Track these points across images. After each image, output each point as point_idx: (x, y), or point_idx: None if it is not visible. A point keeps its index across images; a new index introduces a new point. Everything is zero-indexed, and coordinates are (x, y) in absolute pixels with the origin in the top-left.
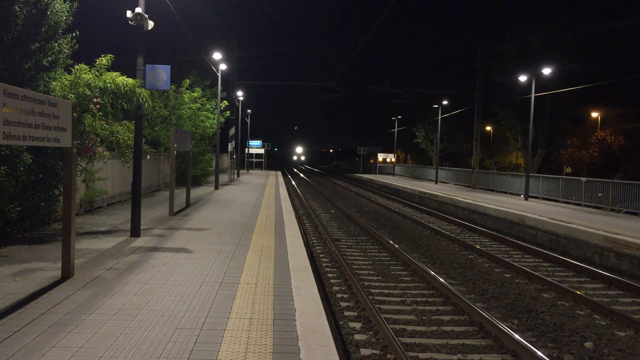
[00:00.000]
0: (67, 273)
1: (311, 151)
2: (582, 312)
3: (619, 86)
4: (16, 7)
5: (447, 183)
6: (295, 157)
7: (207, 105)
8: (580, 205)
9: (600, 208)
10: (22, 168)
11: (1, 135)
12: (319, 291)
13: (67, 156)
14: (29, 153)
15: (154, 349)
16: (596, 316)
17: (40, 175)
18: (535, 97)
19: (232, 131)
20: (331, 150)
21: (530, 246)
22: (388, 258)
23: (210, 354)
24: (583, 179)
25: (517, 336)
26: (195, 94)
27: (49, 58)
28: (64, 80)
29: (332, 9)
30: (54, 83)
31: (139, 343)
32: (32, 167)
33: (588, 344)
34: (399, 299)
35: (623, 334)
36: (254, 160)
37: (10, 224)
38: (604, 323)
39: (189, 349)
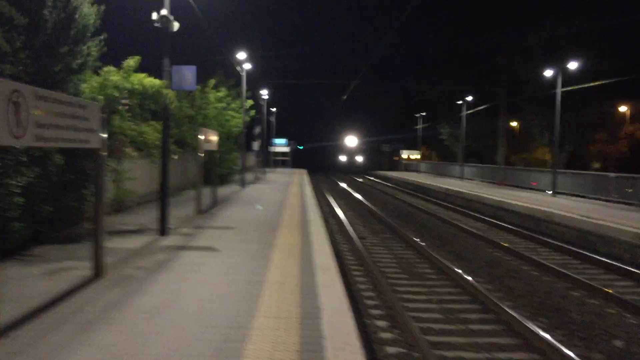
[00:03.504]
0: (98, 272)
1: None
2: (612, 311)
3: None
4: (45, 12)
5: (473, 180)
6: (344, 158)
7: (232, 105)
8: (609, 201)
9: (630, 204)
10: (53, 169)
11: (33, 138)
12: (344, 289)
13: (96, 157)
14: (61, 154)
15: (182, 347)
16: (626, 314)
17: (72, 176)
18: (561, 92)
19: (257, 130)
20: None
21: (558, 243)
22: (414, 256)
23: (237, 352)
24: (611, 174)
25: (545, 335)
26: (220, 94)
27: (78, 61)
28: (93, 82)
29: (356, 9)
30: (83, 85)
31: (167, 341)
32: (64, 168)
33: (618, 343)
34: (425, 297)
35: None
36: (280, 158)
37: (43, 224)
38: (634, 322)
39: (216, 347)
